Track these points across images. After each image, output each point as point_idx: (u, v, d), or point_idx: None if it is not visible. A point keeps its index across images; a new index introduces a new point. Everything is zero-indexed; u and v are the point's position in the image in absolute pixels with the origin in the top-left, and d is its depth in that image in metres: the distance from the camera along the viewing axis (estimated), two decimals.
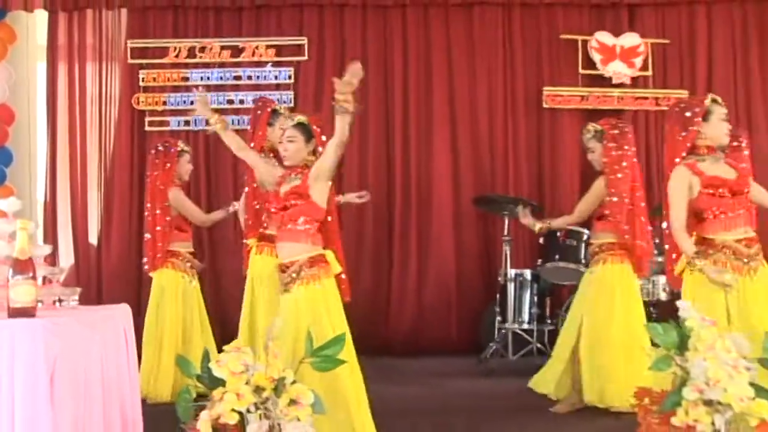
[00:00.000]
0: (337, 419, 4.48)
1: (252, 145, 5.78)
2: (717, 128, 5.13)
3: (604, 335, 6.09)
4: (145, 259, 6.82)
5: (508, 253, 8.24)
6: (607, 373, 6.00)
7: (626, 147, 6.24)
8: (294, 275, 4.74)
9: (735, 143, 7.13)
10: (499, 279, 8.29)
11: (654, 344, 4.23)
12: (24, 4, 8.99)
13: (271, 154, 5.84)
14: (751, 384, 3.96)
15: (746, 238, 5.07)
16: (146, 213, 6.73)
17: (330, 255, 4.89)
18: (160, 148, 6.79)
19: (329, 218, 4.97)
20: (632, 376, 5.36)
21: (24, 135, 9.48)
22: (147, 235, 6.71)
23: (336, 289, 4.88)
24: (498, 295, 8.22)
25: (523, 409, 6.11)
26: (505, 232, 8.28)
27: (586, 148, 6.45)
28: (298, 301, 4.71)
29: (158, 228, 6.62)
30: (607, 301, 6.17)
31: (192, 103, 8.63)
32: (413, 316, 8.28)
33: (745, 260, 5.02)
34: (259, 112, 6.07)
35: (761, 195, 5.32)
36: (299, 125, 4.97)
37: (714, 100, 5.17)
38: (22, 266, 3.19)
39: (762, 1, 9.39)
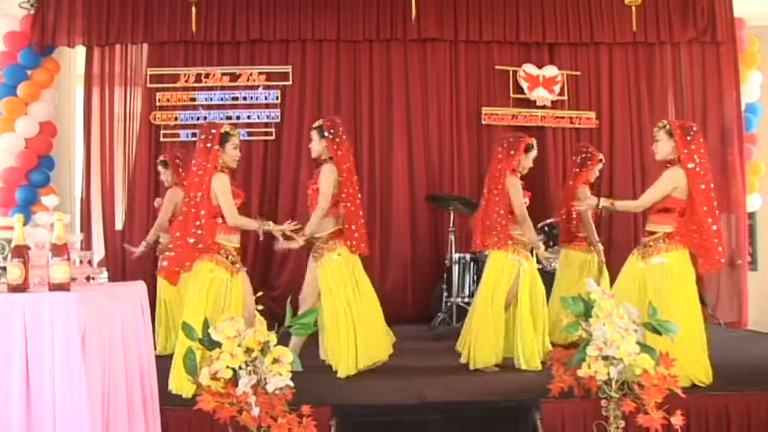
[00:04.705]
0: None
1: (209, 165, 5.14)
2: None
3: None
4: None
5: (453, 240, 8.30)
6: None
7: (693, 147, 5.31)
8: None
9: (583, 155, 7.27)
10: (446, 261, 8.35)
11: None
12: (67, 41, 9.04)
13: (225, 170, 5.27)
14: (638, 342, 4.06)
15: None
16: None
17: None
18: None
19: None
20: (690, 356, 5.09)
21: (65, 145, 9.51)
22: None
23: None
24: (445, 275, 8.29)
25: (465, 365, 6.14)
26: (451, 224, 8.36)
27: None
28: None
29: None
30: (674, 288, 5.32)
31: (198, 119, 8.86)
32: (377, 291, 8.34)
33: None
34: (213, 130, 5.24)
35: None
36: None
37: None
38: (59, 250, 3.21)
39: (649, 45, 9.55)
